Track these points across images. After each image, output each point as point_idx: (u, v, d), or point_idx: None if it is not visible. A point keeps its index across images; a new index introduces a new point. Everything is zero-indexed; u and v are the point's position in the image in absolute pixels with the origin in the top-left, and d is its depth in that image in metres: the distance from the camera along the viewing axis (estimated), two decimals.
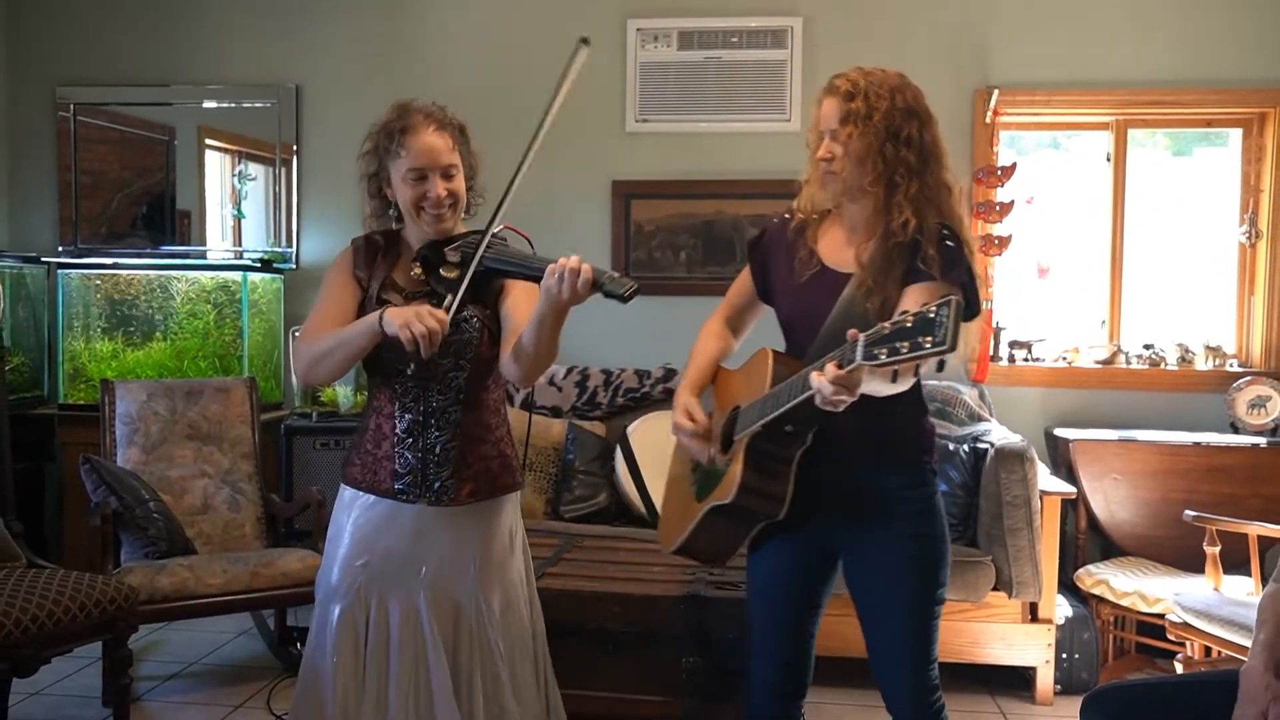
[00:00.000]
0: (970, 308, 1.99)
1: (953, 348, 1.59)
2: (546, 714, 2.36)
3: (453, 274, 2.17)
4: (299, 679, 2.30)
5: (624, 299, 1.89)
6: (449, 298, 2.10)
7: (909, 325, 1.64)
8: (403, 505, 2.24)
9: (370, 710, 2.21)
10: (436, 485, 2.23)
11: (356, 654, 2.23)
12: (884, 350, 1.66)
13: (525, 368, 2.07)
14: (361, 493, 2.27)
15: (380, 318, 2.06)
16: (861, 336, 1.70)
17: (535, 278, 2.00)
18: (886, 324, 1.68)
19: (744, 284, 2.36)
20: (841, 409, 1.78)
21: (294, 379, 4.06)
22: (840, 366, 1.73)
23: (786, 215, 2.28)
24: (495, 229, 2.22)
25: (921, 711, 2.12)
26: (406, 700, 2.20)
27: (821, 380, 1.74)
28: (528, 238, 2.37)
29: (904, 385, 1.81)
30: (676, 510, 2.32)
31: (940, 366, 1.65)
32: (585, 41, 2.22)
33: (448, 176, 2.27)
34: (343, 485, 2.32)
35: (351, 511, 2.28)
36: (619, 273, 1.93)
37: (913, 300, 1.96)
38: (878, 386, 1.78)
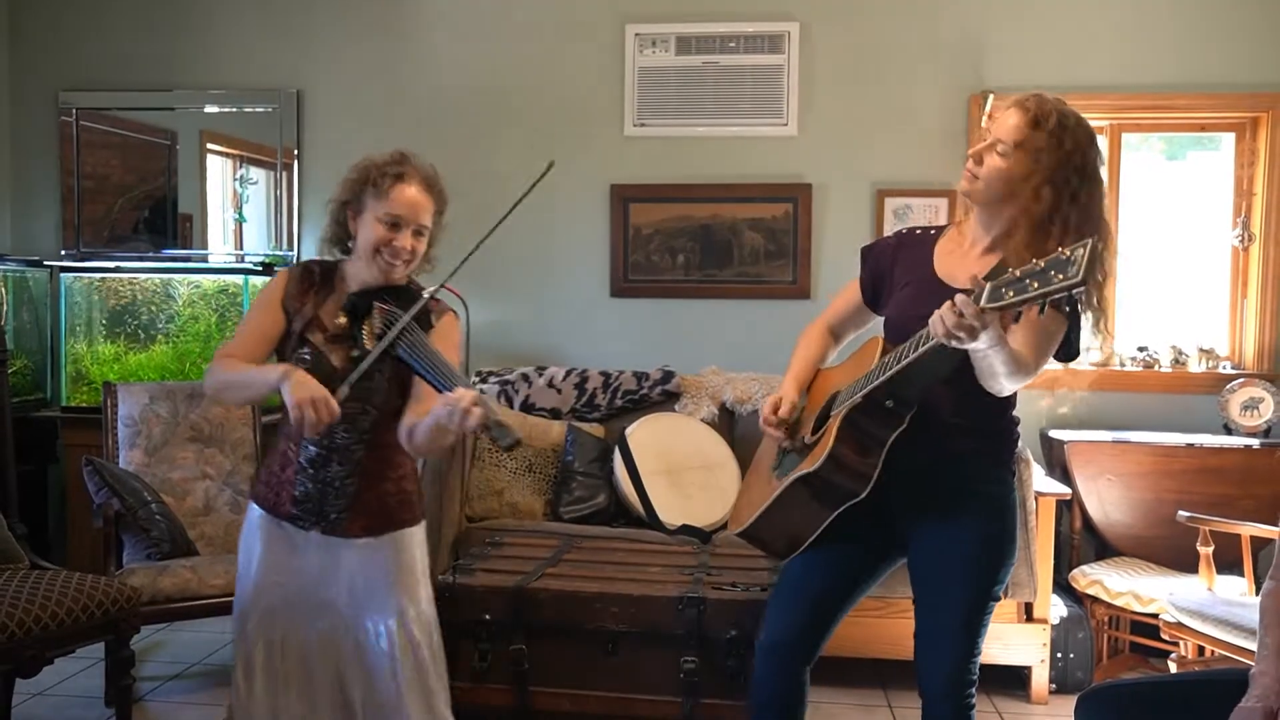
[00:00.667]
0: (1071, 348, 2.05)
1: (1084, 283, 1.61)
2: None
3: (369, 339, 2.19)
4: (232, 697, 2.34)
5: (506, 450, 1.94)
6: (343, 387, 2.11)
7: (1040, 267, 1.66)
8: (302, 532, 2.29)
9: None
10: (331, 516, 2.28)
11: (272, 672, 2.29)
12: (1011, 290, 1.69)
13: (413, 450, 2.20)
14: (264, 513, 2.32)
15: (282, 380, 2.08)
16: (988, 282, 1.73)
17: (435, 386, 2.07)
18: (1015, 269, 1.70)
19: (851, 291, 2.37)
20: (961, 345, 1.80)
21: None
22: (975, 300, 1.75)
23: (903, 230, 2.33)
24: (426, 296, 2.26)
25: (954, 702, 2.13)
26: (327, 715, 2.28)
27: (948, 310, 1.77)
28: (461, 298, 2.43)
29: (1025, 375, 1.84)
30: (754, 493, 2.35)
31: (1069, 303, 1.66)
32: (552, 165, 2.33)
33: (418, 235, 2.29)
34: (250, 503, 2.38)
35: (262, 531, 2.33)
36: (507, 424, 1.98)
37: (1016, 329, 1.97)
38: (989, 340, 1.80)
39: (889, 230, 4.18)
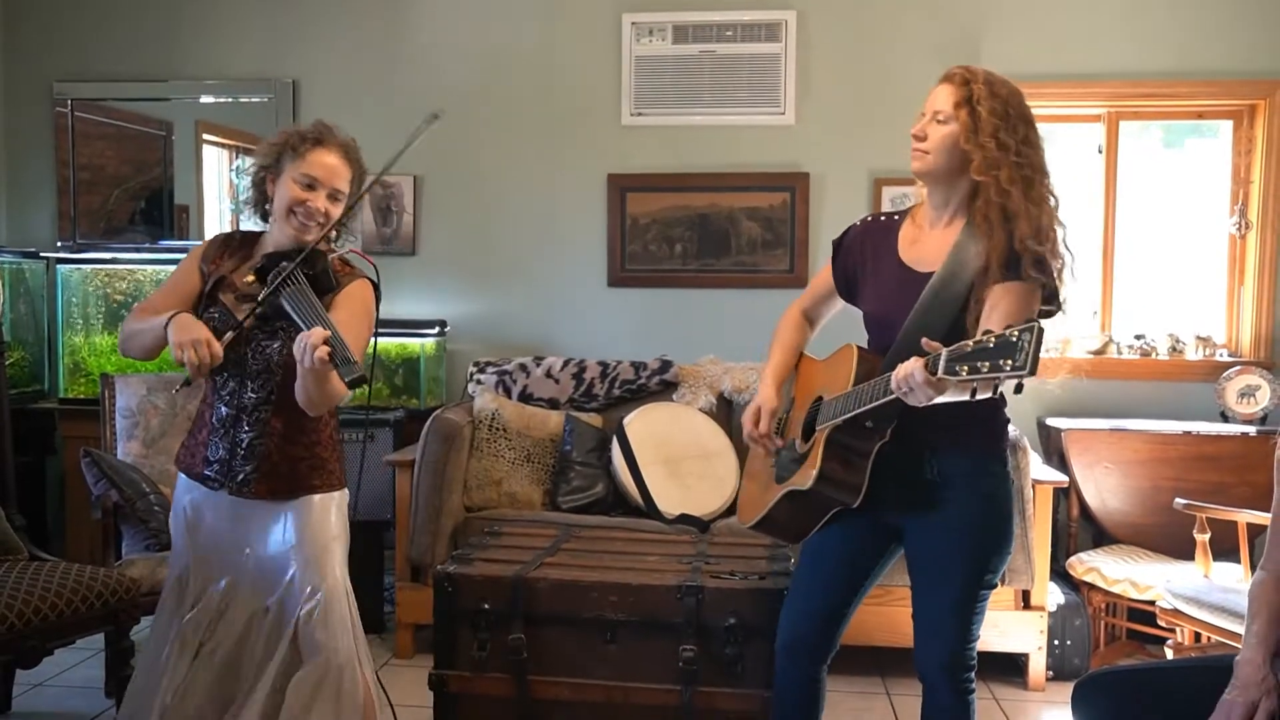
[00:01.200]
0: (1054, 304, 2.10)
1: (1032, 373, 1.66)
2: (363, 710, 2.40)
3: (256, 292, 2.27)
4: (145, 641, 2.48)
5: (351, 386, 2.06)
6: (228, 334, 2.21)
7: (990, 346, 1.71)
8: (213, 493, 2.38)
9: (185, 669, 2.33)
10: (239, 478, 2.34)
11: (177, 619, 2.37)
12: (965, 367, 1.73)
13: (306, 406, 2.25)
14: (184, 477, 2.44)
15: (167, 324, 2.18)
16: (945, 351, 1.77)
17: (301, 329, 2.13)
18: (969, 342, 1.74)
19: (825, 279, 2.39)
20: (920, 406, 1.86)
21: None
22: (929, 370, 1.80)
23: (868, 217, 2.36)
24: (342, 252, 2.37)
25: (952, 686, 2.16)
26: (222, 669, 2.34)
27: (906, 375, 1.83)
28: (373, 262, 2.46)
29: (982, 396, 1.87)
30: (757, 489, 2.40)
31: (1018, 389, 1.73)
32: (436, 116, 2.31)
33: (332, 198, 2.33)
34: (178, 470, 2.49)
35: (182, 493, 2.46)
36: (353, 360, 2.08)
37: (996, 299, 2.02)
38: (955, 395, 1.85)
39: None
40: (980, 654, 2.24)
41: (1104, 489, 4.00)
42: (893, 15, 4.47)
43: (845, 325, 2.42)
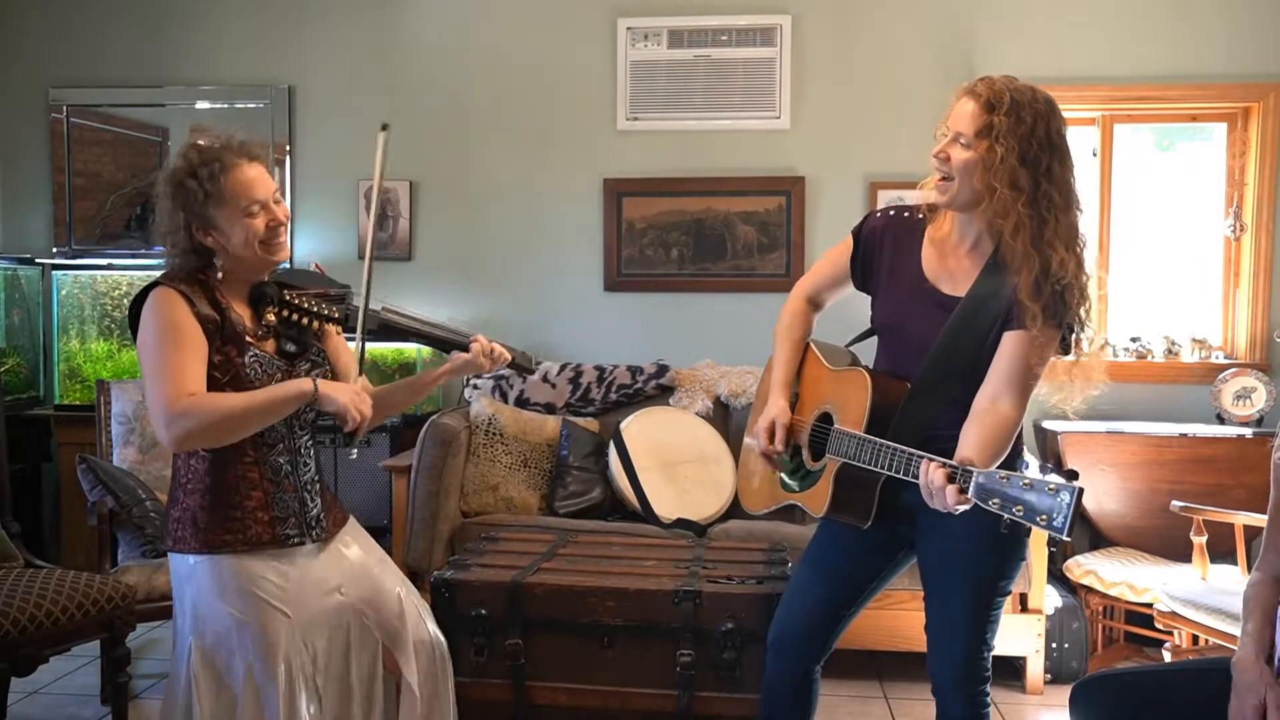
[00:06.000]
0: (1064, 347, 2.06)
1: (1068, 536, 1.64)
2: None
3: (307, 323, 2.19)
4: None
5: (530, 372, 2.36)
6: (360, 376, 2.20)
7: (1029, 489, 1.68)
8: (293, 550, 2.17)
9: None
10: (312, 522, 2.22)
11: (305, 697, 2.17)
12: (997, 500, 1.72)
13: (376, 420, 2.20)
14: (238, 557, 2.10)
15: (317, 390, 2.07)
16: (978, 474, 1.76)
17: (444, 344, 2.20)
18: (1009, 474, 1.73)
19: (838, 263, 2.29)
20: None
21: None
22: (962, 491, 1.80)
23: (890, 209, 2.26)
24: (306, 267, 2.39)
25: (966, 697, 2.13)
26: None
27: (939, 494, 1.82)
28: (323, 271, 2.48)
29: (1012, 433, 1.90)
30: (762, 482, 2.37)
31: (1052, 542, 1.74)
32: (385, 127, 2.20)
33: (278, 201, 2.15)
34: (207, 559, 2.09)
35: (240, 577, 2.09)
36: (526, 353, 2.27)
37: (1002, 349, 1.99)
38: None
39: None
40: None
41: (1100, 491, 4.00)
42: (887, 19, 4.48)
43: (848, 321, 2.40)
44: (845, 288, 2.32)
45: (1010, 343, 1.99)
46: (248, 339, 2.12)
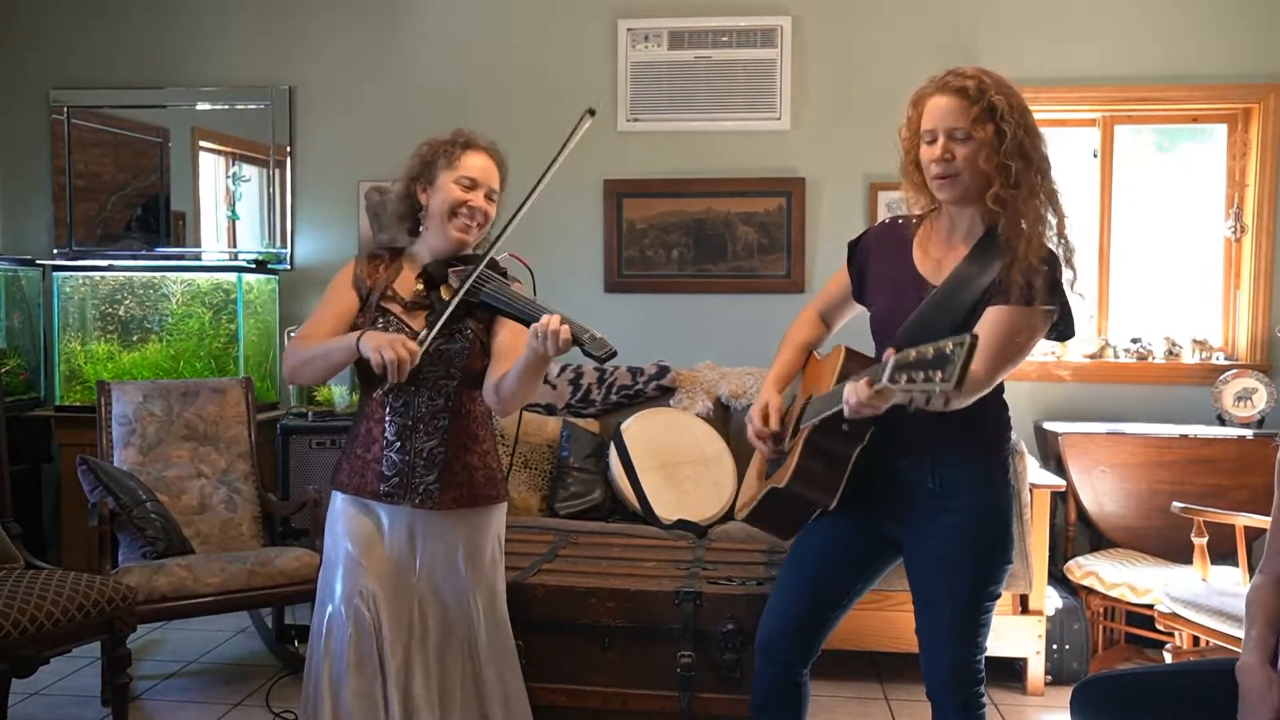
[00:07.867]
0: (1066, 327, 2.05)
1: (957, 388, 1.61)
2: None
3: (449, 295, 2.26)
4: (309, 686, 2.33)
5: (600, 360, 2.11)
6: (424, 332, 2.22)
7: (929, 357, 1.67)
8: (391, 508, 2.33)
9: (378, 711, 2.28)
10: (421, 489, 2.31)
11: (363, 658, 2.28)
12: (904, 375, 1.70)
13: (504, 402, 2.24)
14: (350, 497, 2.36)
15: (359, 339, 2.17)
16: (894, 358, 1.74)
17: (525, 320, 2.16)
18: (913, 350, 1.70)
19: (840, 281, 2.35)
20: (868, 416, 1.85)
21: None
22: (871, 384, 1.79)
23: (884, 221, 2.30)
24: (498, 255, 2.37)
25: (959, 701, 2.13)
26: (402, 699, 2.30)
27: (850, 391, 1.83)
28: (528, 266, 2.46)
29: (958, 405, 1.84)
30: (752, 484, 2.39)
31: (945, 402, 1.70)
32: (591, 112, 2.39)
33: (489, 198, 2.39)
34: (334, 492, 2.41)
35: (344, 519, 2.36)
36: (599, 334, 2.14)
37: (990, 319, 1.98)
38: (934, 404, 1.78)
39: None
40: None
41: (1101, 492, 4.00)
42: (888, 20, 4.48)
43: (862, 329, 2.39)
44: (851, 306, 2.35)
45: (994, 314, 1.99)
46: (385, 305, 2.33)
